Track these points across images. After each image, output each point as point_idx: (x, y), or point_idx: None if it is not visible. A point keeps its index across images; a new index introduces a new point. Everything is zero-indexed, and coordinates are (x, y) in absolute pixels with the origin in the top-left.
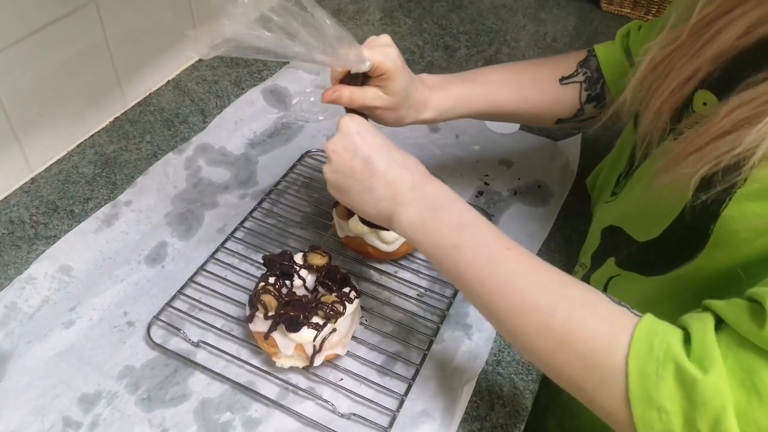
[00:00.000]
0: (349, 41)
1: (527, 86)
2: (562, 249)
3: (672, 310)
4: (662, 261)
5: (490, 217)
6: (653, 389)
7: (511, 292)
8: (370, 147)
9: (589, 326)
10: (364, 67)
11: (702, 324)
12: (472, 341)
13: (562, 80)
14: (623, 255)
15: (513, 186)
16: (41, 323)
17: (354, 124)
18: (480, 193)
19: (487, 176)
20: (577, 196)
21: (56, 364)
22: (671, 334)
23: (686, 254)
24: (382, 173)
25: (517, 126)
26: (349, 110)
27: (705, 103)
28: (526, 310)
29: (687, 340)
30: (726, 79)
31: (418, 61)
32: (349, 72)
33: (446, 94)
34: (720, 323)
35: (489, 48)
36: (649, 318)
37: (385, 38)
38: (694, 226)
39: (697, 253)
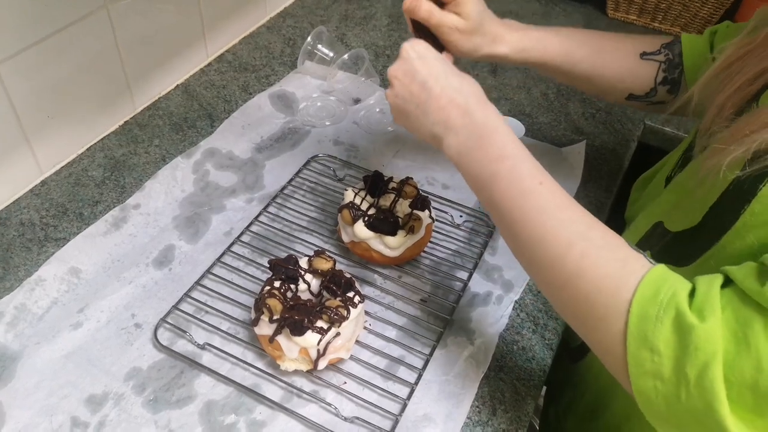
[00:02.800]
0: None
1: (607, 52)
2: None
3: None
4: (695, 250)
5: (492, 228)
6: (650, 331)
7: (535, 224)
8: (428, 71)
9: (601, 265)
10: None
11: (710, 281)
12: (474, 346)
13: (643, 55)
14: (657, 247)
15: None
16: (50, 325)
17: (415, 48)
18: None
19: None
20: (581, 202)
21: (64, 365)
22: (680, 284)
23: (716, 239)
24: (437, 97)
25: (522, 132)
26: (421, 35)
27: None
28: (545, 243)
29: (693, 293)
30: None
31: None
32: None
33: (524, 34)
34: (729, 282)
35: None
36: (662, 267)
37: None
38: (729, 210)
39: (723, 235)
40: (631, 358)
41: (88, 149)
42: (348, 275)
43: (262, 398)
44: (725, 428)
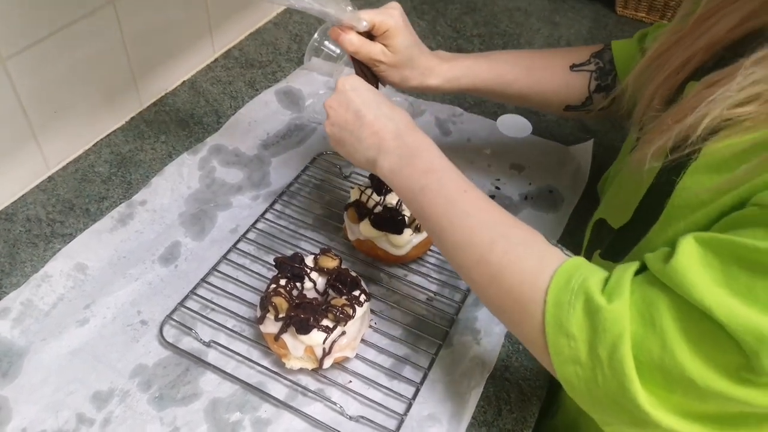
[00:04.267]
0: (341, 0)
1: (537, 69)
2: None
3: None
4: (628, 244)
5: None
6: (564, 317)
7: (460, 229)
8: (362, 101)
9: (521, 261)
10: (361, 27)
11: (625, 267)
12: (480, 346)
13: (573, 67)
14: (605, 246)
15: (524, 191)
16: (56, 321)
17: (349, 82)
18: (491, 197)
19: (498, 180)
20: (588, 202)
21: (70, 361)
22: (592, 271)
23: (645, 233)
24: (370, 124)
25: (529, 130)
26: (357, 66)
27: None
28: (470, 245)
29: (608, 280)
30: (715, 68)
31: None
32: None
33: (455, 64)
34: (644, 269)
35: None
36: (577, 258)
37: (392, 2)
38: (654, 204)
39: (650, 228)
40: (551, 346)
41: (94, 145)
42: (354, 274)
43: (267, 396)
44: (639, 406)
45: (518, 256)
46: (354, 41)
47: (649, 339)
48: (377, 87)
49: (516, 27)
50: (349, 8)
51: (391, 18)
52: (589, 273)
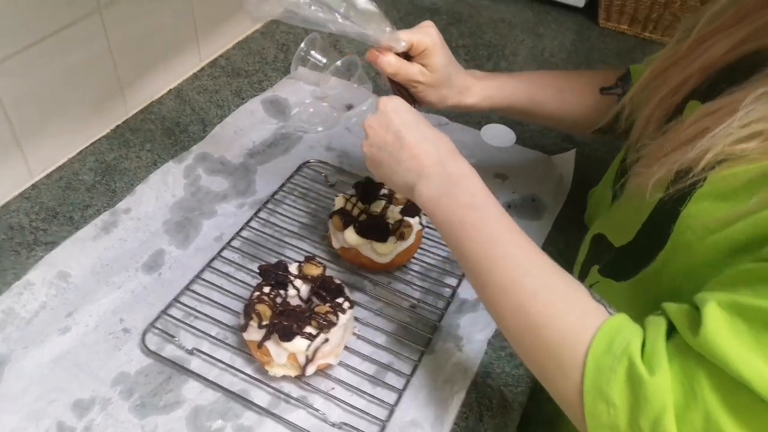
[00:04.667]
0: (380, 20)
1: (568, 91)
2: (555, 262)
3: (635, 316)
4: (631, 266)
5: None
6: (605, 383)
7: (501, 273)
8: (402, 122)
9: (562, 317)
10: (400, 47)
11: (656, 327)
12: (463, 353)
13: (602, 90)
14: (604, 262)
15: (507, 199)
16: (38, 329)
17: (391, 102)
18: None
19: None
20: (570, 211)
21: (52, 369)
22: (633, 334)
23: (649, 257)
24: (410, 147)
25: (513, 140)
26: (395, 88)
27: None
28: (511, 291)
29: (645, 342)
30: (713, 89)
31: None
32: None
33: (490, 83)
34: (673, 329)
35: (487, 62)
36: (619, 317)
37: (427, 22)
38: (658, 229)
39: (657, 255)
40: (588, 411)
41: (79, 153)
42: (338, 281)
43: (249, 404)
44: None
45: (560, 310)
46: (393, 63)
47: (692, 411)
48: (414, 107)
49: (500, 38)
50: (388, 29)
51: (429, 36)
52: (631, 337)
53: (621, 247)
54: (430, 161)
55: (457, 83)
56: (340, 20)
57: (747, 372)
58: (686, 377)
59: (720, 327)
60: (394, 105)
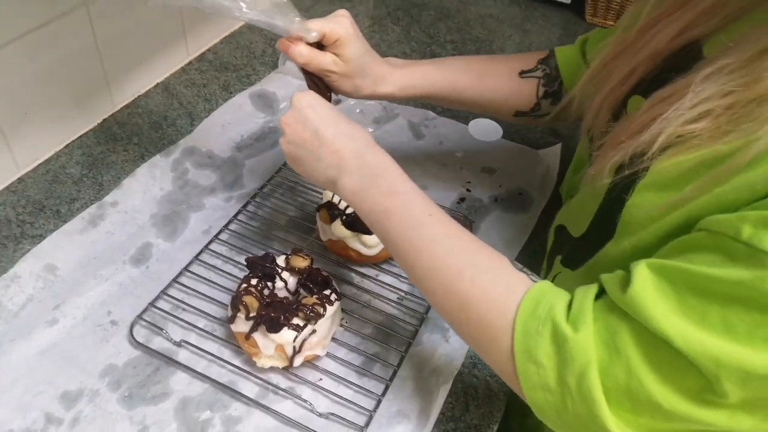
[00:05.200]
0: (289, 10)
1: (488, 76)
2: (540, 255)
3: None
4: (586, 255)
5: (471, 223)
6: (533, 345)
7: (427, 255)
8: (319, 119)
9: (488, 289)
10: (310, 37)
11: (585, 291)
12: (449, 344)
13: (522, 74)
14: (565, 252)
15: (494, 193)
16: (25, 321)
17: (306, 98)
18: (462, 200)
19: (469, 183)
20: (556, 204)
21: (39, 361)
22: (557, 297)
23: (600, 246)
24: (330, 143)
25: (500, 134)
26: (308, 77)
27: (638, 109)
28: (438, 272)
29: (571, 304)
30: (656, 81)
31: None
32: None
33: (408, 71)
34: (603, 292)
35: None
36: (542, 283)
37: (341, 11)
38: (607, 219)
39: (606, 243)
40: (521, 373)
41: (66, 146)
42: (325, 273)
43: (237, 395)
44: (608, 429)
45: (485, 283)
46: (304, 53)
47: (614, 366)
48: (330, 97)
49: (488, 33)
50: (297, 19)
51: (341, 26)
52: (554, 300)
53: (577, 238)
54: (350, 155)
55: (372, 73)
56: (245, 9)
57: (669, 329)
58: (609, 334)
59: (646, 286)
60: (309, 101)
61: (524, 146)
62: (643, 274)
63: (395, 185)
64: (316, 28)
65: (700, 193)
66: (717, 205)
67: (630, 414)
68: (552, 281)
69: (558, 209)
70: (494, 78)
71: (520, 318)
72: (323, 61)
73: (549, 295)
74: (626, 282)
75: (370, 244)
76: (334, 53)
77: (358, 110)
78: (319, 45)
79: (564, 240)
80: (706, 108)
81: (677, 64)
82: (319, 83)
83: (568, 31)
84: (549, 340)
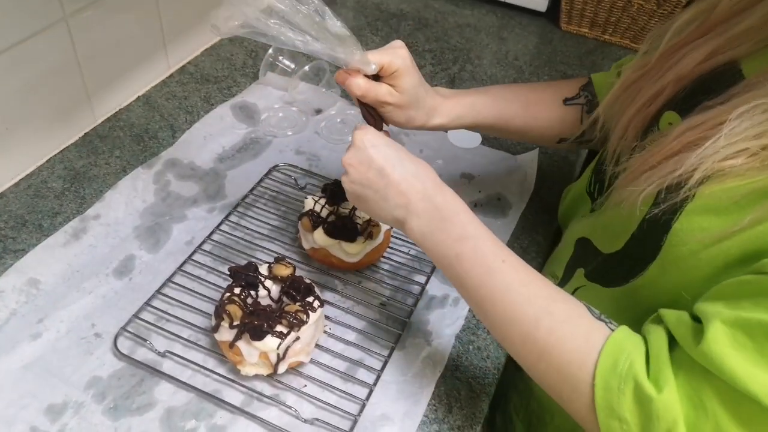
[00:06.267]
0: (351, 43)
1: (533, 104)
2: (522, 257)
3: (626, 322)
4: (621, 273)
5: None
6: (615, 402)
7: (502, 303)
8: (384, 158)
9: (567, 340)
10: (370, 70)
11: (658, 340)
12: (432, 347)
13: (566, 101)
14: (591, 266)
15: (474, 198)
16: (9, 336)
17: (368, 137)
18: None
19: None
20: (534, 209)
21: (23, 375)
22: (635, 350)
23: (640, 267)
24: (396, 184)
25: (478, 141)
26: (363, 108)
27: (671, 123)
28: (514, 321)
29: (648, 358)
30: (689, 100)
31: None
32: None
33: (458, 102)
34: (673, 339)
35: (453, 65)
36: (619, 333)
37: (397, 42)
38: (648, 240)
39: (648, 265)
40: (603, 427)
41: (47, 161)
42: (308, 281)
43: (222, 403)
44: None
45: (564, 334)
46: (362, 85)
47: (702, 424)
48: (382, 127)
49: (466, 42)
50: (358, 51)
51: (399, 58)
52: (633, 354)
53: (609, 255)
54: (417, 197)
55: (425, 104)
56: (310, 41)
57: (752, 384)
58: (694, 391)
59: (722, 341)
60: (372, 140)
61: (502, 152)
62: (717, 329)
63: (467, 229)
64: (376, 60)
65: (759, 223)
66: None
67: None
68: (573, 292)
69: (536, 215)
70: (540, 106)
71: (600, 373)
72: (380, 92)
73: (628, 348)
74: (697, 333)
75: (351, 252)
76: (390, 84)
77: (338, 120)
78: (375, 76)
79: (589, 254)
80: (742, 147)
81: (712, 83)
82: (374, 114)
83: (544, 39)
84: (632, 398)
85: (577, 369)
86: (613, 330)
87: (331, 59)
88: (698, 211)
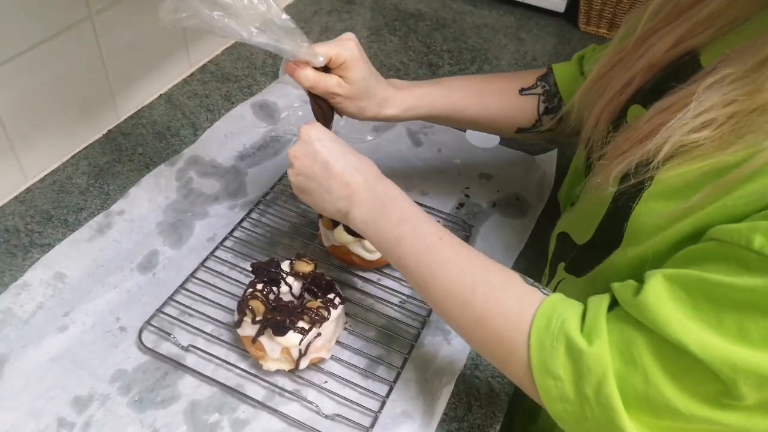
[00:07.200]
0: (298, 35)
1: (488, 94)
2: (539, 259)
3: None
4: (589, 263)
5: (470, 227)
6: (549, 359)
7: (440, 276)
8: (328, 152)
9: (502, 305)
10: (317, 62)
11: (598, 303)
12: (451, 346)
13: (522, 91)
14: (568, 259)
15: (492, 198)
16: (36, 328)
17: (313, 131)
18: (461, 205)
19: (467, 189)
20: (553, 209)
21: (50, 367)
22: (569, 310)
23: (606, 254)
24: (339, 175)
25: (497, 140)
26: (312, 99)
27: (637, 117)
28: (452, 292)
29: (584, 316)
30: (655, 91)
31: (402, 78)
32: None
33: (410, 93)
34: (615, 302)
35: (471, 66)
36: (553, 296)
37: (347, 34)
38: (612, 227)
39: (613, 251)
40: (540, 386)
41: (72, 157)
42: (329, 278)
43: (245, 397)
44: None
45: (499, 299)
46: (310, 76)
47: (632, 375)
48: (332, 119)
49: (484, 43)
50: (305, 44)
51: (347, 50)
52: (566, 313)
53: (582, 245)
54: (359, 188)
55: (376, 95)
56: (255, 33)
57: (684, 336)
58: (625, 343)
59: (660, 293)
60: (318, 134)
61: (521, 152)
62: (657, 281)
63: (405, 213)
64: (323, 52)
65: (707, 203)
66: (724, 214)
67: (650, 418)
68: (555, 287)
69: (555, 214)
70: (494, 96)
71: (535, 333)
72: (328, 83)
73: (561, 308)
74: (638, 291)
75: (371, 249)
76: (340, 75)
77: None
78: (325, 68)
79: (567, 247)
80: (709, 117)
81: (675, 73)
82: (324, 106)
83: (563, 39)
84: (564, 354)
85: (512, 332)
86: (546, 294)
87: (277, 51)
88: (655, 196)
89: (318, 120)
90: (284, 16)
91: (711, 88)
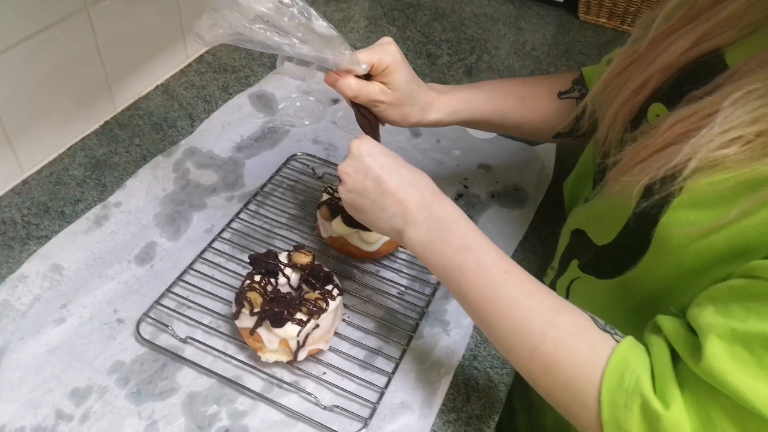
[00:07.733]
0: (339, 43)
1: (528, 98)
2: (537, 250)
3: (620, 315)
4: (613, 265)
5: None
6: (622, 418)
7: (506, 316)
8: (380, 167)
9: (573, 354)
10: (360, 69)
11: (661, 354)
12: (449, 337)
13: (560, 95)
14: (585, 258)
15: (491, 189)
16: (33, 320)
17: (364, 146)
18: (460, 196)
19: (466, 179)
20: (551, 200)
21: (48, 359)
22: (641, 365)
23: (632, 259)
24: (393, 192)
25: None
26: (356, 109)
27: (658, 115)
28: (520, 334)
29: (653, 372)
30: (675, 91)
31: None
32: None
33: (453, 97)
34: (677, 355)
35: (470, 55)
36: (625, 344)
37: (386, 39)
38: (638, 232)
39: (640, 258)
40: None
41: (69, 149)
42: (327, 269)
43: (243, 389)
44: None
45: (571, 347)
46: (353, 86)
47: None
48: (378, 127)
49: (483, 32)
50: (348, 52)
51: (389, 55)
52: (639, 369)
53: (602, 247)
54: (415, 206)
55: (419, 100)
56: (297, 44)
57: (755, 400)
58: (701, 407)
59: (721, 357)
60: (368, 148)
61: (520, 143)
62: (715, 346)
63: (467, 240)
64: (365, 59)
65: (746, 216)
66: (764, 232)
67: None
68: (570, 284)
69: (555, 205)
70: (535, 100)
71: (606, 389)
72: (372, 91)
73: (633, 362)
74: (696, 348)
75: (370, 241)
76: (382, 82)
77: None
78: (367, 75)
79: (583, 246)
80: (736, 135)
81: (696, 72)
82: (369, 115)
83: (562, 29)
84: (639, 414)
85: (583, 384)
86: (618, 341)
87: (319, 61)
88: (685, 205)
89: (365, 131)
90: (325, 23)
91: (736, 103)
